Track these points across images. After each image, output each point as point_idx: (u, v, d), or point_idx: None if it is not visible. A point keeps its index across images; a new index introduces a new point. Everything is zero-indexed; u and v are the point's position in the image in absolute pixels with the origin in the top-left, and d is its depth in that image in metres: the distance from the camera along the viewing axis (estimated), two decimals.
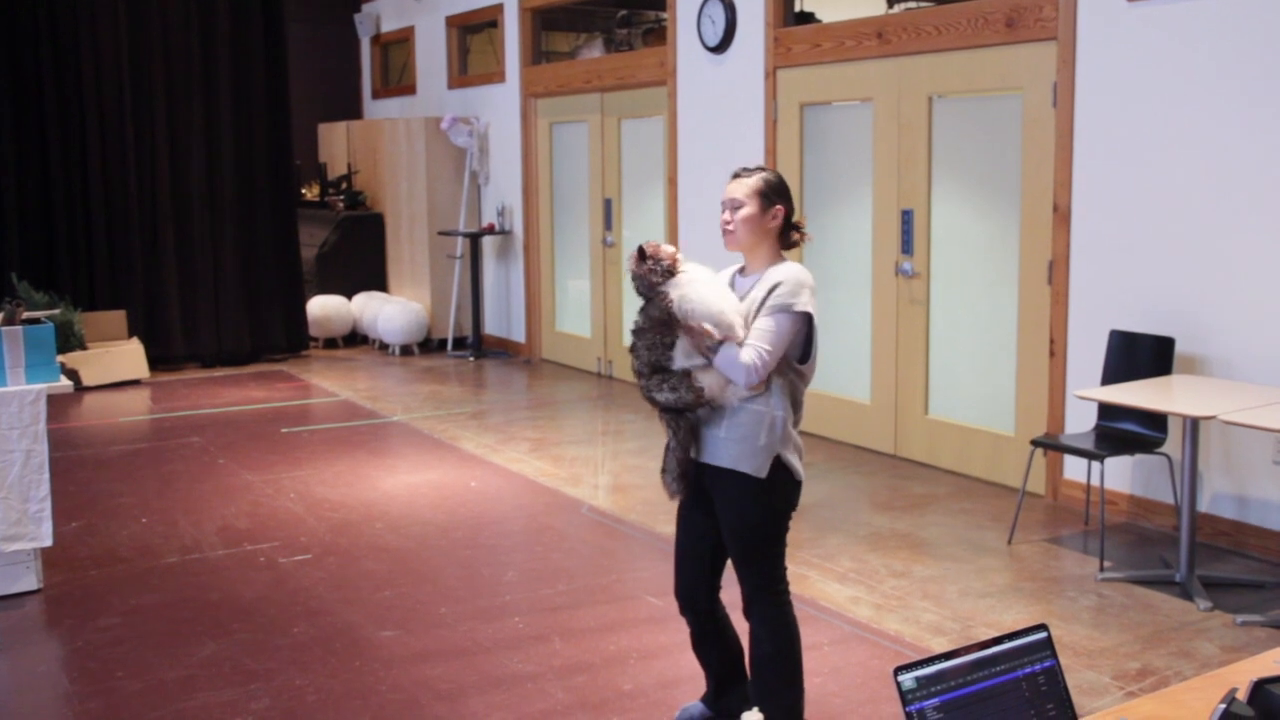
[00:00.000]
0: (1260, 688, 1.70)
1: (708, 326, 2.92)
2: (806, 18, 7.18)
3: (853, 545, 5.06)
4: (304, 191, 11.55)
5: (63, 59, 9.07)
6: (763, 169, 3.13)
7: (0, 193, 8.95)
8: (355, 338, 10.74)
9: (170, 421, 7.61)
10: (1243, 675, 1.83)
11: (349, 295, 10.72)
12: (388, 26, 11.95)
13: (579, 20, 10.40)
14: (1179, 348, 4.98)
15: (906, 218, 6.33)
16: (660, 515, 5.41)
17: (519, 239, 9.91)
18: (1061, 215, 5.49)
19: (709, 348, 2.93)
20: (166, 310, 9.46)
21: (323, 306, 10.41)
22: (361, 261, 10.91)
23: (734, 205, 3.06)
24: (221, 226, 9.66)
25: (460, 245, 10.19)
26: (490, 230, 10.07)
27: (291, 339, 10.00)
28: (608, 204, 8.93)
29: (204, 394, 8.48)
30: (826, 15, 7.09)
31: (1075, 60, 5.39)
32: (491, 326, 10.41)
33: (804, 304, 2.96)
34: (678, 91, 7.96)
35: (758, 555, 3.08)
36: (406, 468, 6.42)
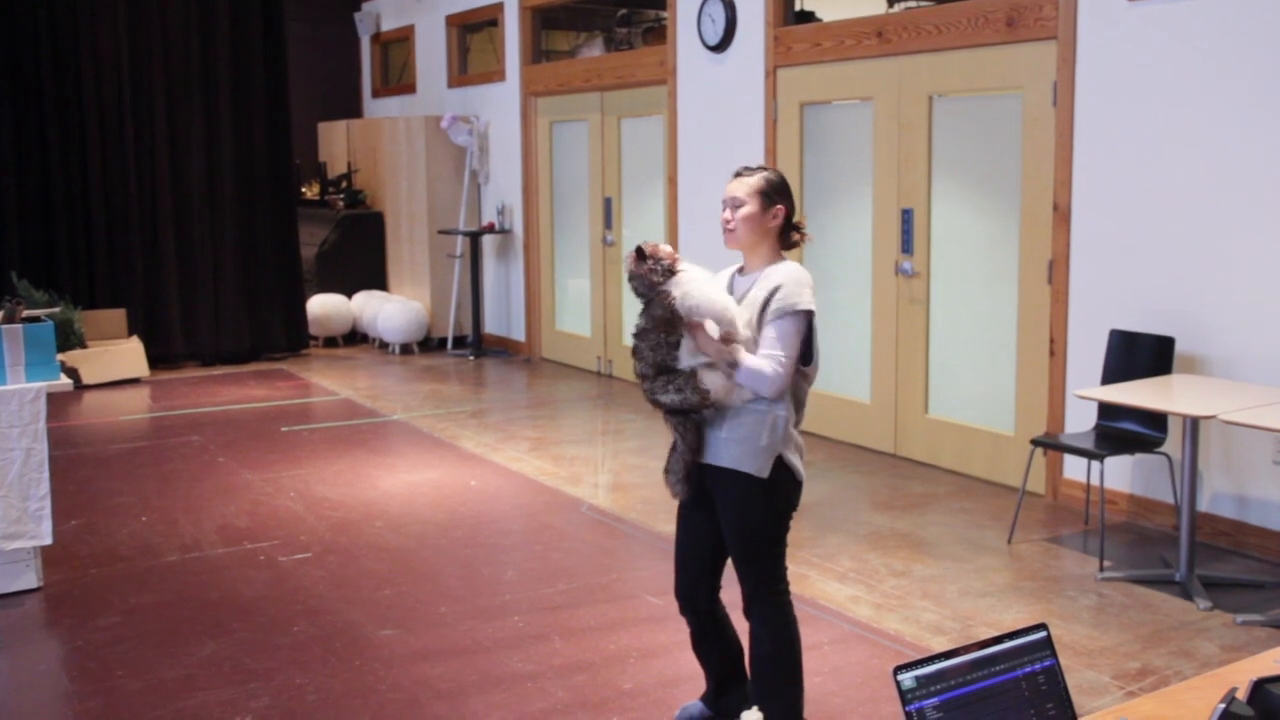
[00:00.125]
0: (1260, 687, 1.70)
1: (709, 324, 2.92)
2: (807, 17, 7.18)
3: (853, 545, 5.06)
4: (304, 190, 11.55)
5: (62, 58, 9.07)
6: (764, 168, 3.13)
7: (0, 192, 8.94)
8: (355, 336, 10.74)
9: (170, 420, 7.61)
10: (1243, 675, 1.83)
11: (349, 294, 10.72)
12: (388, 25, 11.95)
13: (579, 19, 10.40)
14: (1179, 347, 4.98)
15: (906, 217, 6.33)
16: (660, 514, 5.41)
17: (519, 238, 9.91)
18: (1061, 214, 5.49)
19: (729, 364, 2.94)
20: (166, 309, 9.46)
21: (323, 305, 10.41)
22: (361, 260, 10.91)
23: (735, 204, 3.06)
24: (221, 225, 9.66)
25: (460, 244, 10.19)
26: (490, 229, 10.07)
27: (291, 338, 10.00)
28: (608, 203, 8.93)
29: (204, 393, 8.48)
30: (826, 14, 7.09)
31: (1075, 60, 5.39)
32: (491, 325, 10.41)
33: (806, 303, 2.97)
34: (678, 91, 7.96)
35: (758, 555, 3.08)
36: (406, 466, 6.42)
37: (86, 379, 8.42)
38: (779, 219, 3.08)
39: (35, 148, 9.04)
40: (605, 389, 8.58)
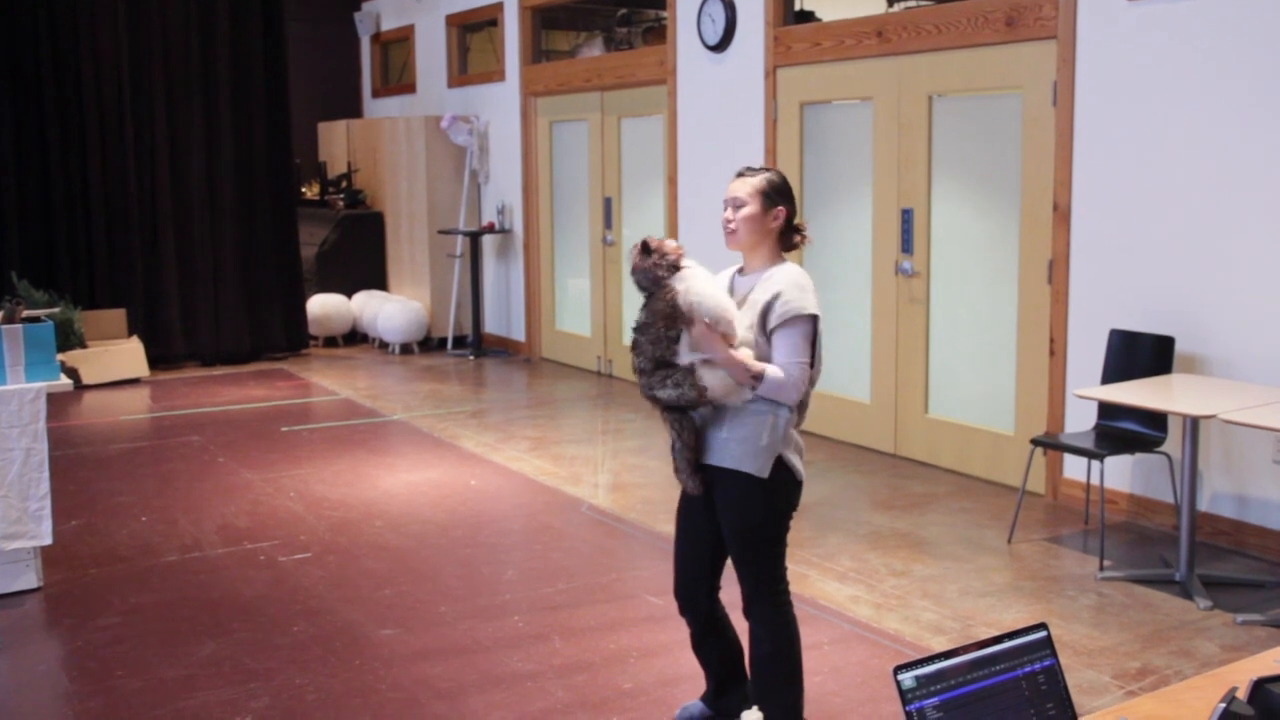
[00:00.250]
0: (1260, 687, 1.70)
1: (708, 322, 2.92)
2: (806, 16, 7.18)
3: (853, 544, 5.06)
4: (304, 190, 11.55)
5: (62, 58, 9.07)
6: (767, 169, 3.13)
7: (0, 191, 8.94)
8: (355, 336, 10.74)
9: (170, 420, 7.61)
10: (1243, 674, 1.83)
11: (349, 294, 10.72)
12: (388, 25, 11.95)
13: (579, 19, 10.40)
14: (1179, 347, 4.98)
15: (906, 217, 6.33)
16: (660, 514, 5.41)
17: (519, 238, 9.91)
18: (1061, 214, 5.49)
19: (752, 376, 2.93)
20: (166, 309, 9.46)
21: (323, 305, 10.41)
22: (361, 260, 10.91)
23: (736, 204, 3.07)
24: (221, 225, 9.66)
25: (460, 244, 10.19)
26: (490, 229, 10.07)
27: (291, 337, 10.00)
28: (608, 203, 8.93)
29: (204, 392, 8.48)
30: (826, 14, 7.09)
31: (1075, 59, 5.39)
32: (491, 325, 10.41)
33: (812, 307, 2.98)
34: (678, 90, 7.96)
35: (758, 555, 3.08)
36: (406, 466, 6.42)
37: (86, 379, 8.42)
38: (780, 220, 3.08)
39: (35, 148, 9.04)
40: (605, 389, 8.58)
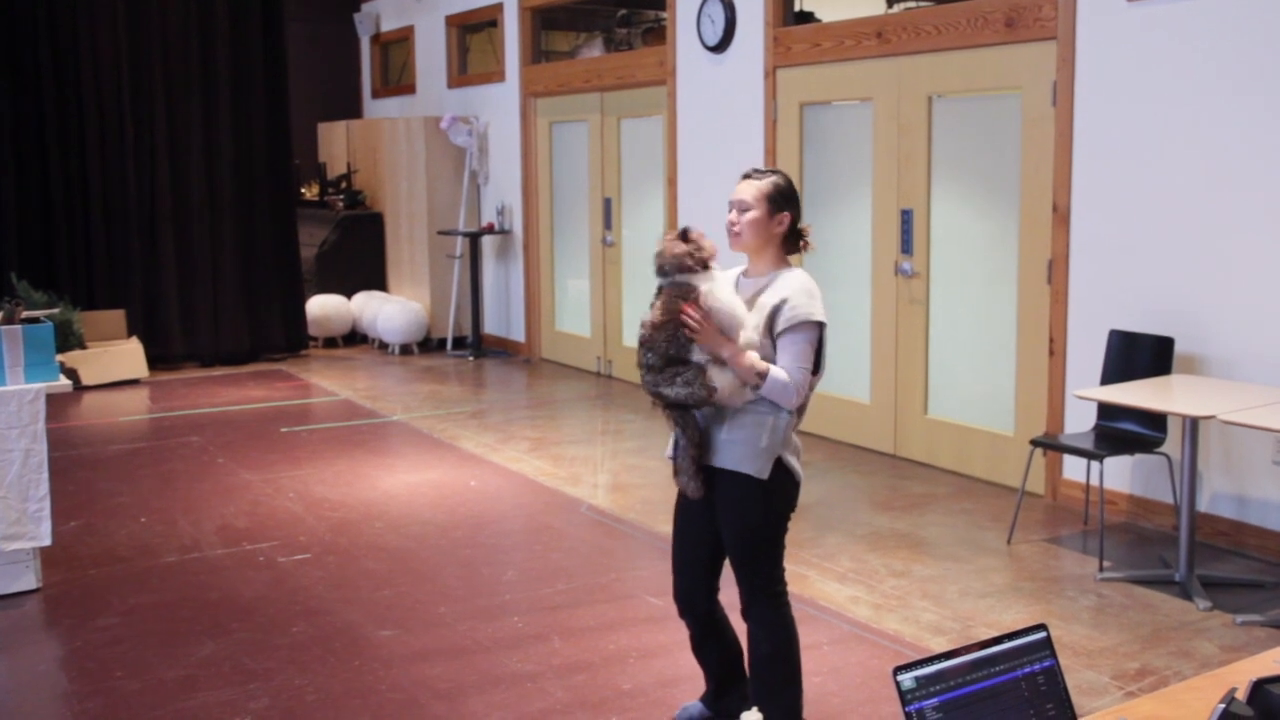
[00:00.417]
0: (1260, 687, 1.70)
1: (723, 326, 2.93)
2: (806, 17, 7.18)
3: (852, 545, 5.06)
4: (303, 191, 11.55)
5: (62, 58, 9.07)
6: (774, 172, 3.13)
7: None
8: (355, 337, 10.74)
9: (169, 421, 7.61)
10: (1242, 675, 1.83)
11: (348, 295, 10.72)
12: (387, 26, 11.95)
13: (579, 20, 10.40)
14: (1178, 347, 4.98)
15: (906, 217, 6.33)
16: (659, 514, 5.41)
17: (518, 238, 9.91)
18: (1061, 215, 5.49)
19: (758, 375, 2.93)
20: (165, 310, 9.46)
21: (322, 306, 10.41)
22: (361, 261, 10.91)
23: (742, 207, 3.07)
24: (221, 226, 9.65)
25: (460, 245, 10.19)
26: (490, 230, 10.07)
27: (291, 338, 9.99)
28: (607, 203, 8.93)
29: (203, 393, 8.47)
30: (826, 15, 7.09)
31: (1075, 60, 5.39)
32: (491, 326, 10.41)
33: (819, 313, 2.99)
34: (677, 91, 7.96)
35: (757, 557, 3.08)
36: (406, 467, 6.42)
37: (86, 380, 8.42)
38: (784, 226, 3.08)
39: (34, 148, 9.04)
40: (605, 389, 8.58)
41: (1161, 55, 5.05)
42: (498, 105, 10.03)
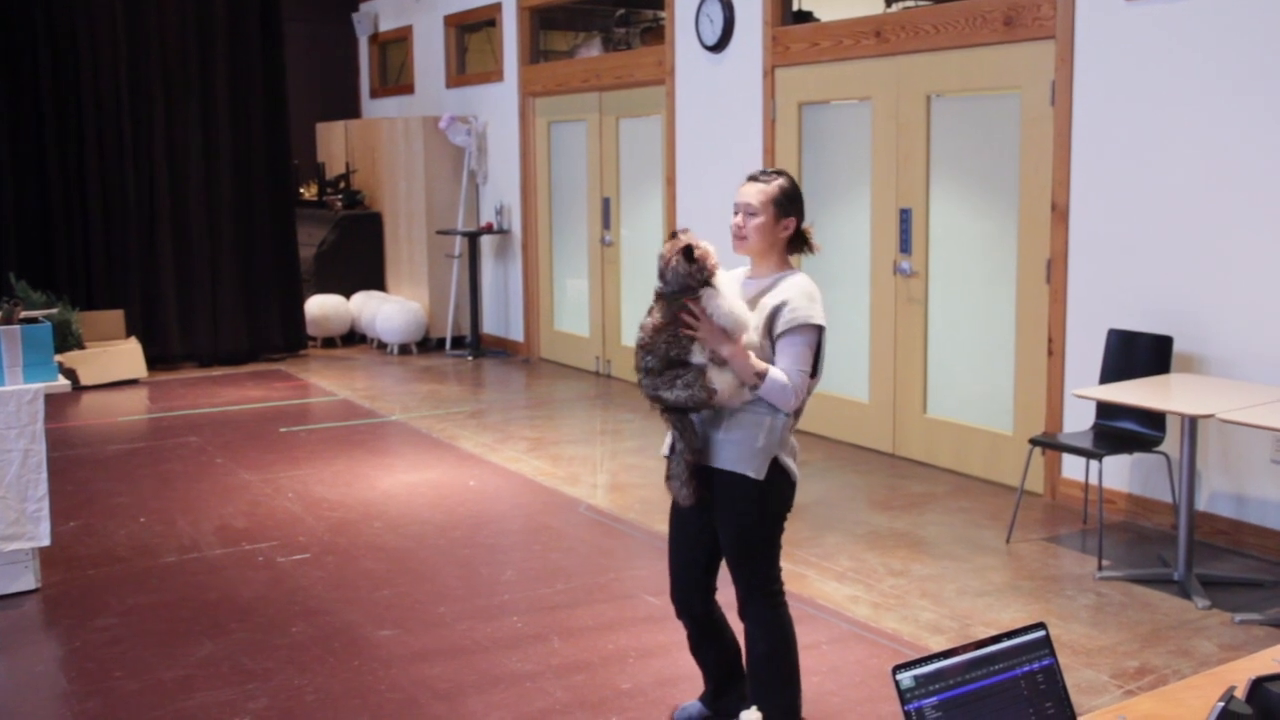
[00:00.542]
0: (1259, 686, 1.70)
1: (727, 327, 2.93)
2: (805, 17, 7.18)
3: (851, 544, 5.06)
4: (302, 191, 11.54)
5: (60, 58, 9.07)
6: (780, 174, 3.11)
7: None
8: (353, 337, 10.73)
9: (168, 421, 7.61)
10: (1241, 673, 1.83)
11: (347, 294, 10.71)
12: (386, 25, 11.95)
13: (577, 19, 10.40)
14: (1177, 346, 4.98)
15: (905, 217, 6.33)
16: (658, 514, 5.41)
17: (517, 238, 9.91)
18: (1059, 214, 5.50)
19: (756, 375, 2.93)
20: (164, 309, 9.46)
21: (321, 306, 10.41)
22: (360, 261, 10.91)
23: (748, 211, 3.06)
24: (219, 226, 9.65)
25: (458, 244, 10.19)
26: (488, 229, 10.06)
27: (289, 338, 9.99)
28: (606, 203, 8.93)
29: (202, 393, 8.47)
30: (825, 14, 7.09)
31: (1073, 59, 5.39)
32: (490, 326, 10.41)
33: (819, 317, 2.99)
34: (676, 91, 7.96)
35: (753, 556, 3.08)
36: (405, 467, 6.42)
37: (84, 380, 8.42)
38: (789, 230, 3.08)
39: (33, 147, 9.04)
40: (604, 389, 8.58)
41: (1160, 54, 5.05)
42: (496, 105, 10.03)
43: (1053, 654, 1.73)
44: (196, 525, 5.37)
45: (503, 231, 10.03)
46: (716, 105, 7.59)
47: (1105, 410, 5.10)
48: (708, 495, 3.07)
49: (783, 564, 3.14)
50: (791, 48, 6.97)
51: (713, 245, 3.02)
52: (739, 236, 3.07)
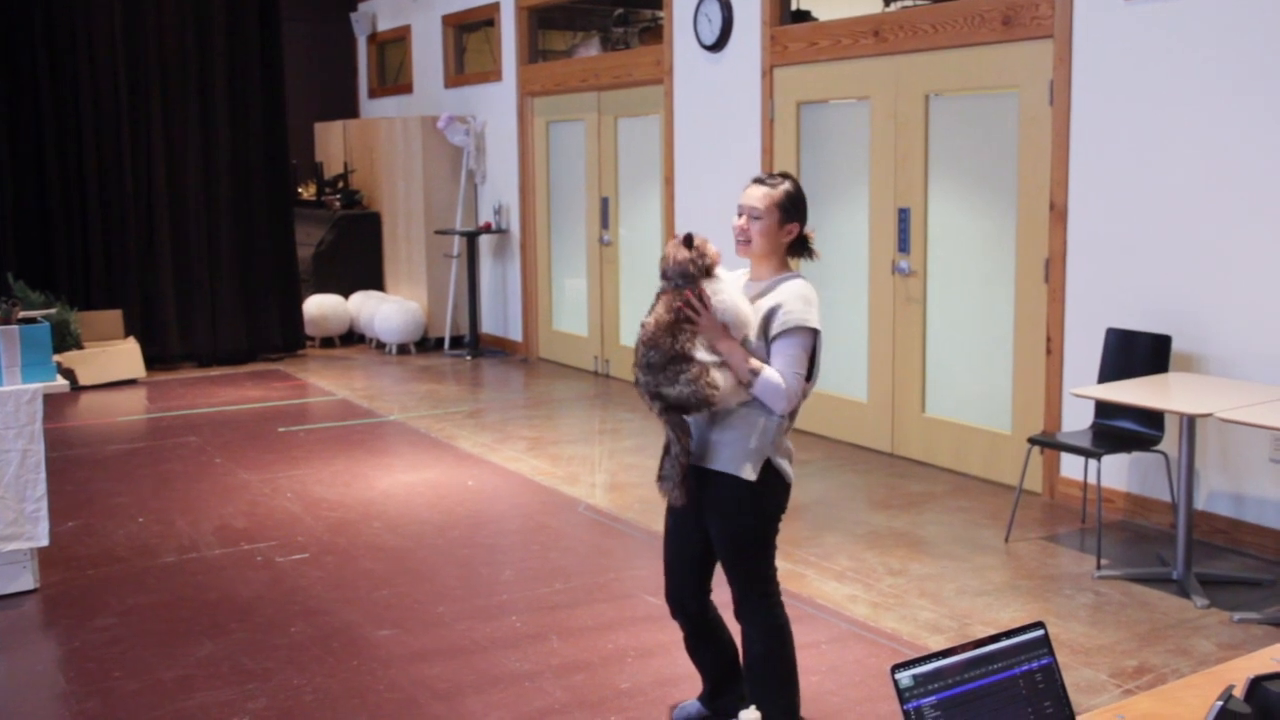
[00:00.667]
0: (1257, 685, 1.70)
1: (729, 324, 2.94)
2: (803, 16, 7.18)
3: (850, 544, 5.06)
4: (300, 190, 11.54)
5: (59, 58, 9.06)
6: (784, 178, 3.11)
7: None
8: (352, 337, 10.73)
9: (167, 421, 7.60)
10: (1240, 672, 1.84)
11: (346, 294, 10.71)
12: (384, 25, 11.94)
13: (575, 19, 10.40)
14: (1176, 346, 4.99)
15: (903, 216, 6.33)
16: (657, 514, 5.37)
17: (516, 238, 9.90)
18: (1058, 213, 5.50)
19: (751, 371, 2.93)
20: (163, 309, 9.45)
21: (319, 305, 10.41)
22: (358, 260, 10.91)
23: (753, 214, 3.05)
24: (218, 225, 9.65)
25: (457, 244, 10.19)
26: (487, 229, 10.06)
27: (288, 338, 9.99)
28: (604, 203, 8.93)
29: (200, 393, 8.47)
30: (823, 14, 7.09)
31: (1072, 58, 5.39)
32: (488, 325, 10.41)
33: (814, 320, 2.99)
34: (674, 90, 7.96)
35: (748, 557, 3.08)
36: (403, 467, 6.42)
37: (83, 380, 8.41)
38: (792, 235, 3.08)
39: (31, 147, 9.04)
40: (602, 389, 8.58)
41: (1159, 53, 5.06)
42: (495, 104, 10.03)
43: (1051, 653, 1.73)
44: (195, 525, 5.37)
45: (501, 231, 10.03)
46: (715, 105, 7.59)
47: (1104, 409, 5.10)
48: (701, 496, 3.07)
49: (781, 564, 3.14)
50: (790, 47, 6.97)
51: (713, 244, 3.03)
52: (742, 239, 3.07)
